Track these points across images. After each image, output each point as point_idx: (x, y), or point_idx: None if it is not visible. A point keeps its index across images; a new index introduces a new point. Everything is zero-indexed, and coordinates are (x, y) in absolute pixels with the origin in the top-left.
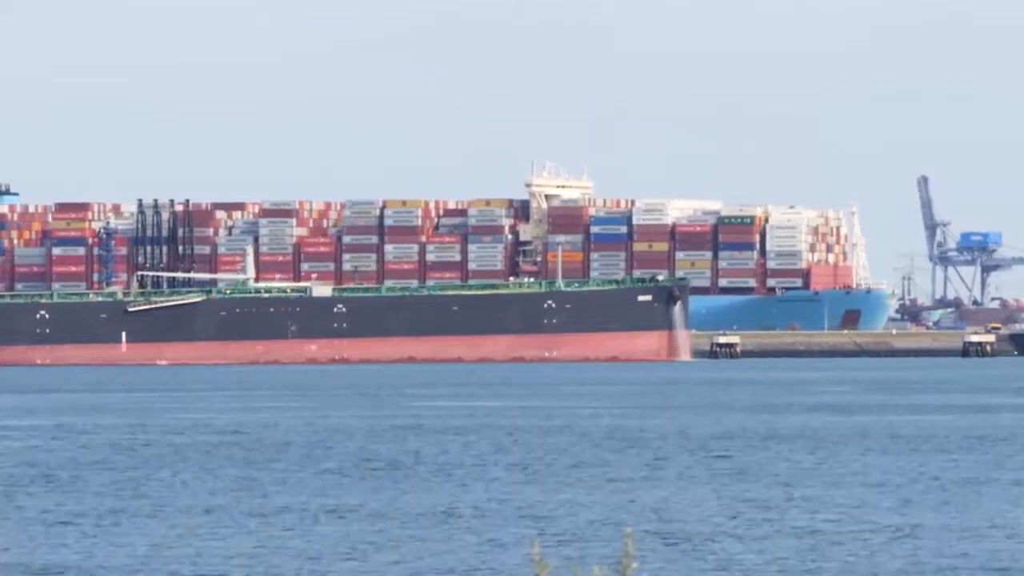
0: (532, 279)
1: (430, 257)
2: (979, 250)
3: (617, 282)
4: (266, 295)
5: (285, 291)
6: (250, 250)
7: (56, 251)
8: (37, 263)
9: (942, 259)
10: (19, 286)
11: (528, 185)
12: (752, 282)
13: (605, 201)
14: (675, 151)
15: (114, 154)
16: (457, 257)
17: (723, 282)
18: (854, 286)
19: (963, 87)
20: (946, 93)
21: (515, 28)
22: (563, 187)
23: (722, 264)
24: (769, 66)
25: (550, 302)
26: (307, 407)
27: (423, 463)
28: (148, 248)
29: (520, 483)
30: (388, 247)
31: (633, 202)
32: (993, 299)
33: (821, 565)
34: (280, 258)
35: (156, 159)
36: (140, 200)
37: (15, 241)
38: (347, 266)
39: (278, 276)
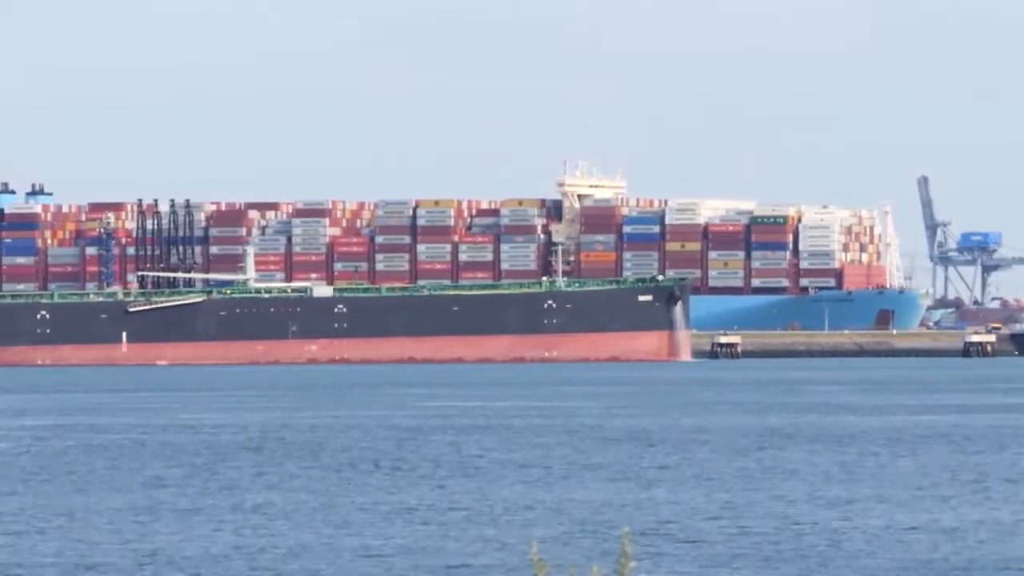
0: (564, 279)
1: (463, 257)
2: (979, 250)
3: (617, 282)
4: (266, 295)
5: (285, 291)
6: (251, 251)
7: (90, 251)
8: (71, 263)
9: (942, 259)
10: (52, 286)
11: (560, 185)
12: (785, 282)
13: (638, 201)
14: (708, 151)
15: (148, 154)
16: (490, 257)
17: (756, 282)
18: (887, 286)
19: (963, 87)
20: (946, 93)
21: (548, 28)
22: (596, 187)
23: (755, 264)
24: (793, 66)
25: (550, 302)
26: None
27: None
28: (149, 249)
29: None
30: (421, 247)
31: (666, 202)
32: (993, 299)
33: None
34: (313, 258)
35: (190, 159)
36: (140, 200)
37: (49, 241)
38: (380, 266)
39: (313, 276)
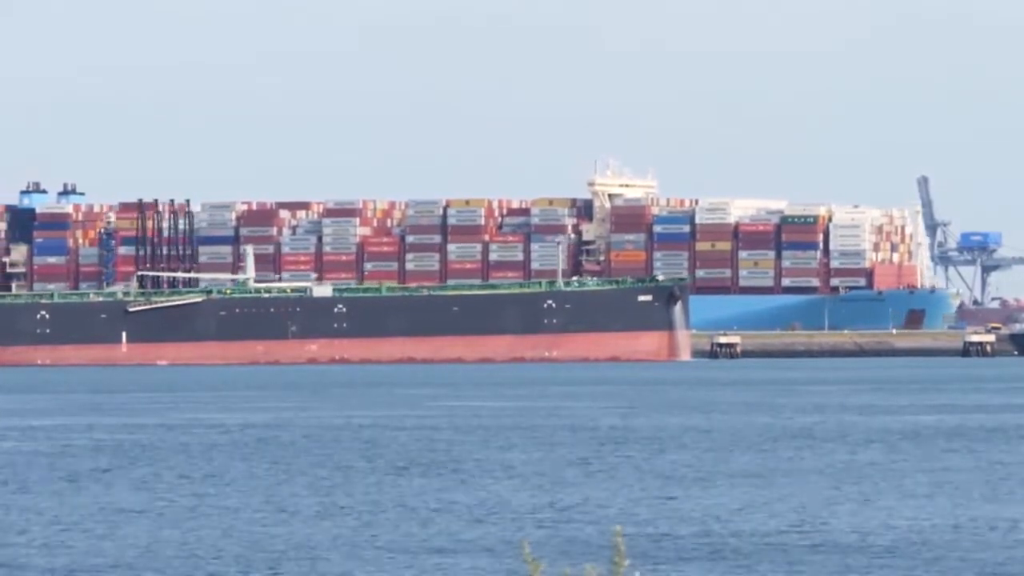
0: (595, 279)
1: (493, 257)
2: (979, 250)
3: (617, 282)
4: (266, 295)
5: (285, 291)
6: (250, 250)
7: (121, 250)
8: (100, 262)
9: (942, 259)
10: (83, 285)
11: (591, 184)
12: (815, 282)
13: (668, 200)
14: (738, 150)
15: (181, 154)
16: (520, 256)
17: (786, 281)
18: (918, 286)
19: (963, 87)
20: (946, 93)
21: (579, 27)
22: (626, 186)
23: (785, 263)
24: (816, 66)
25: (550, 302)
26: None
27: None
28: (149, 249)
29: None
30: (451, 247)
31: (696, 201)
32: (993, 299)
33: None
34: (343, 257)
35: (221, 159)
36: (140, 200)
37: (79, 241)
38: (410, 266)
39: (343, 276)
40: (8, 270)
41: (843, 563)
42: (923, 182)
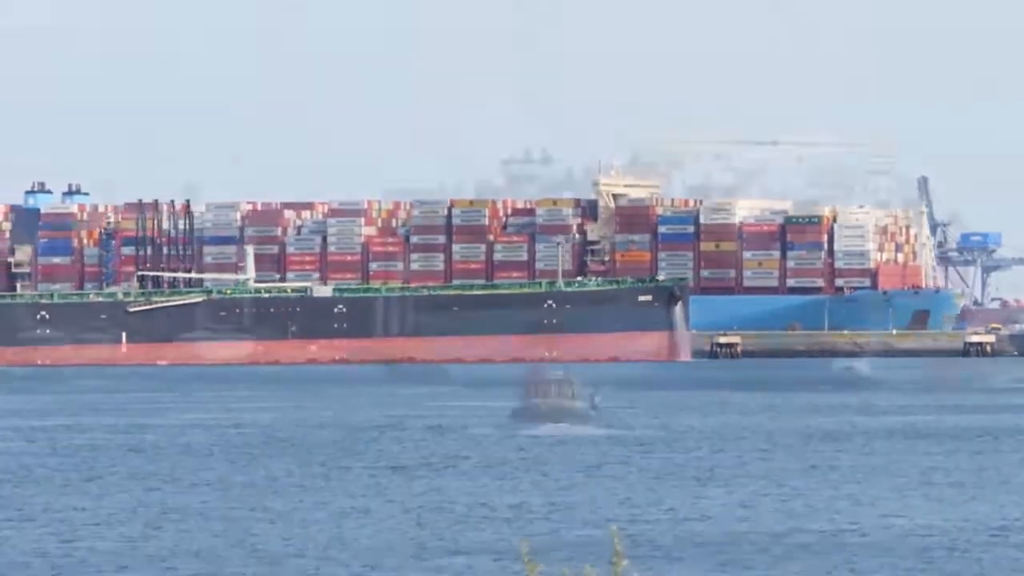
0: (596, 279)
1: (497, 257)
2: (979, 250)
3: (617, 282)
4: (266, 295)
5: (285, 291)
6: (250, 250)
7: (123, 251)
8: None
9: (942, 259)
10: (87, 285)
11: (595, 184)
12: (820, 282)
13: (673, 200)
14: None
15: (184, 154)
16: (524, 256)
17: (790, 282)
18: (923, 286)
19: (963, 87)
20: (946, 93)
21: (584, 27)
22: (630, 186)
23: (790, 264)
24: (818, 66)
25: (550, 302)
26: None
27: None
28: (150, 249)
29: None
30: (456, 247)
31: (701, 201)
32: (993, 299)
33: None
34: (348, 258)
35: (224, 159)
36: (140, 200)
37: (84, 241)
38: (415, 266)
39: (348, 276)
40: (13, 270)
41: (845, 563)
42: (923, 182)
